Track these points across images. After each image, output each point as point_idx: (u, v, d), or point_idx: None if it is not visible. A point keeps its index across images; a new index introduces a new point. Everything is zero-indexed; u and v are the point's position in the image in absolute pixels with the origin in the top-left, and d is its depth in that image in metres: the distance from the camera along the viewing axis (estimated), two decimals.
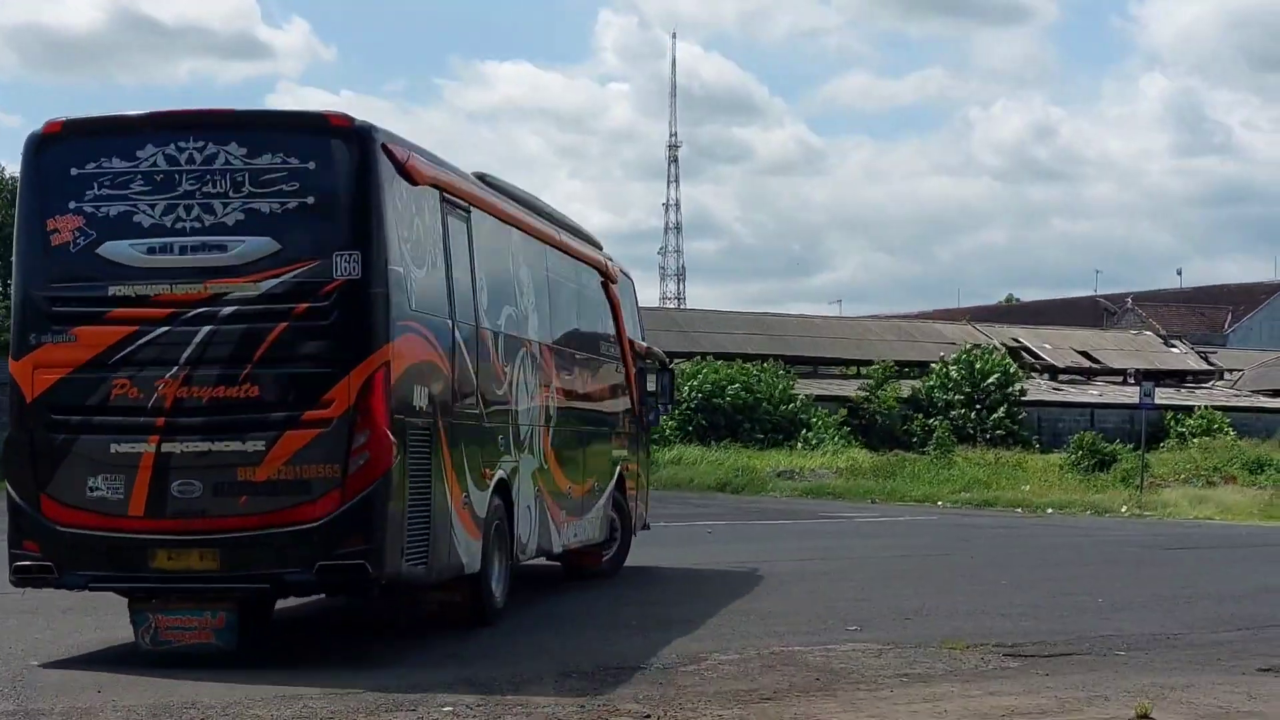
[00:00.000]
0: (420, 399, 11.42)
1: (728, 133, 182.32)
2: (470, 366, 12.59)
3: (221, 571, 10.76)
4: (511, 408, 13.84)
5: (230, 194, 10.90)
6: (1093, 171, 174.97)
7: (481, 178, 14.09)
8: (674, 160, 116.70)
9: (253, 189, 10.89)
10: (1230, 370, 63.87)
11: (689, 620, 13.83)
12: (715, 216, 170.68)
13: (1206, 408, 50.83)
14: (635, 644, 12.27)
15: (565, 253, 16.09)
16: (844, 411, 50.11)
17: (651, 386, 19.24)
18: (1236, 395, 58.03)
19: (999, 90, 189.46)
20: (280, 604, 12.99)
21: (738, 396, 47.99)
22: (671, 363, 22.04)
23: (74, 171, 11.03)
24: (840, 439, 47.41)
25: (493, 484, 12.99)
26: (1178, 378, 60.89)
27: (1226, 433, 48.53)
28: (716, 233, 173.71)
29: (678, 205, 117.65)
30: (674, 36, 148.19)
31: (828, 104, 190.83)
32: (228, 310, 10.80)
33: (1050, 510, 35.70)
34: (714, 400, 47.86)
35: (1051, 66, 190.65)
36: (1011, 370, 51.78)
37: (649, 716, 9.01)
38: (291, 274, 10.82)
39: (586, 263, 16.94)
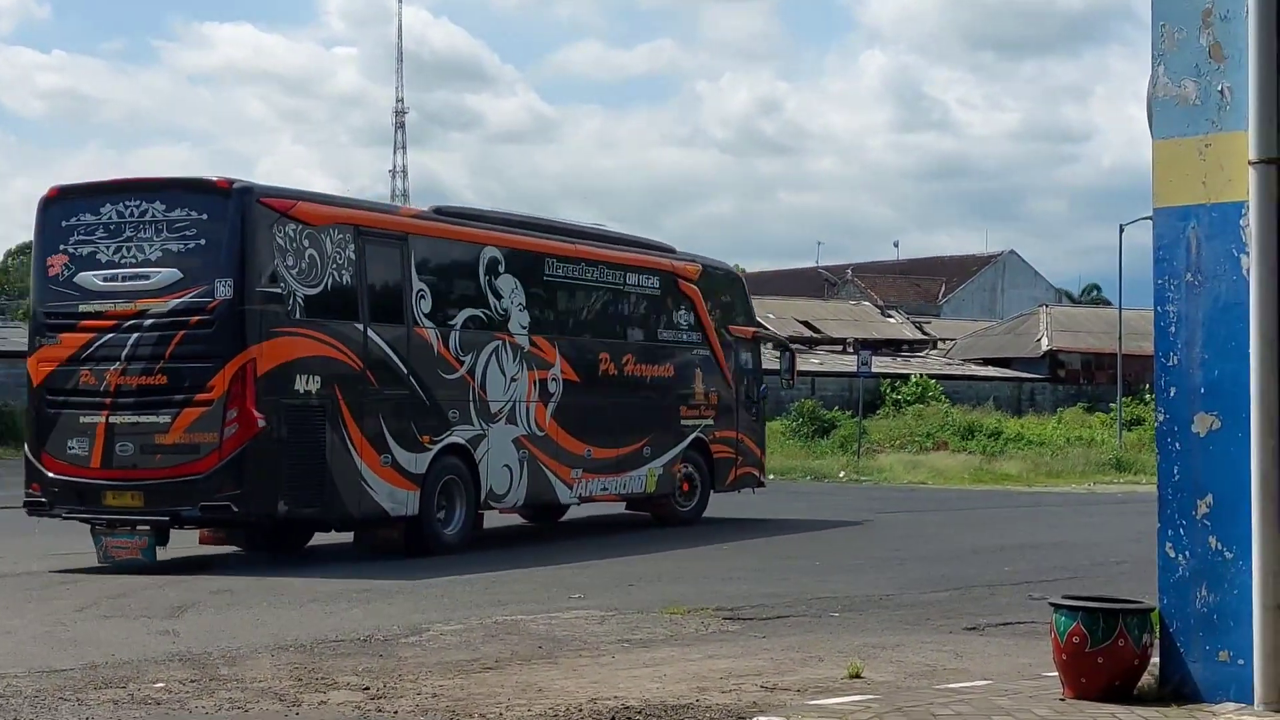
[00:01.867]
0: (307, 384, 15.30)
1: (458, 99, 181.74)
2: (396, 358, 16.44)
3: (144, 509, 15.06)
4: (471, 388, 17.45)
5: (154, 238, 15.20)
6: (817, 145, 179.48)
7: (439, 210, 18.26)
8: (401, 127, 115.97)
9: (168, 234, 15.18)
10: (943, 339, 66.18)
11: (411, 591, 13.72)
12: (445, 184, 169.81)
13: (921, 376, 52.51)
14: (355, 615, 12.10)
15: (588, 261, 19.68)
16: None
17: (750, 366, 22.72)
18: (949, 364, 60.11)
19: (727, 63, 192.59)
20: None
21: None
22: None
23: (63, 223, 15.61)
24: None
25: (437, 448, 16.83)
26: (894, 347, 62.87)
27: (940, 400, 50.24)
28: (446, 200, 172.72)
29: (405, 172, 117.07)
30: (400, 1, 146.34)
31: (559, 72, 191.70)
32: (149, 322, 15.06)
33: (772, 476, 36.46)
34: None
35: (778, 41, 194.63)
36: None
37: (368, 689, 8.88)
38: (189, 295, 14.97)
39: (633, 267, 20.51)
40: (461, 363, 17.43)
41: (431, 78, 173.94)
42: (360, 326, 16.06)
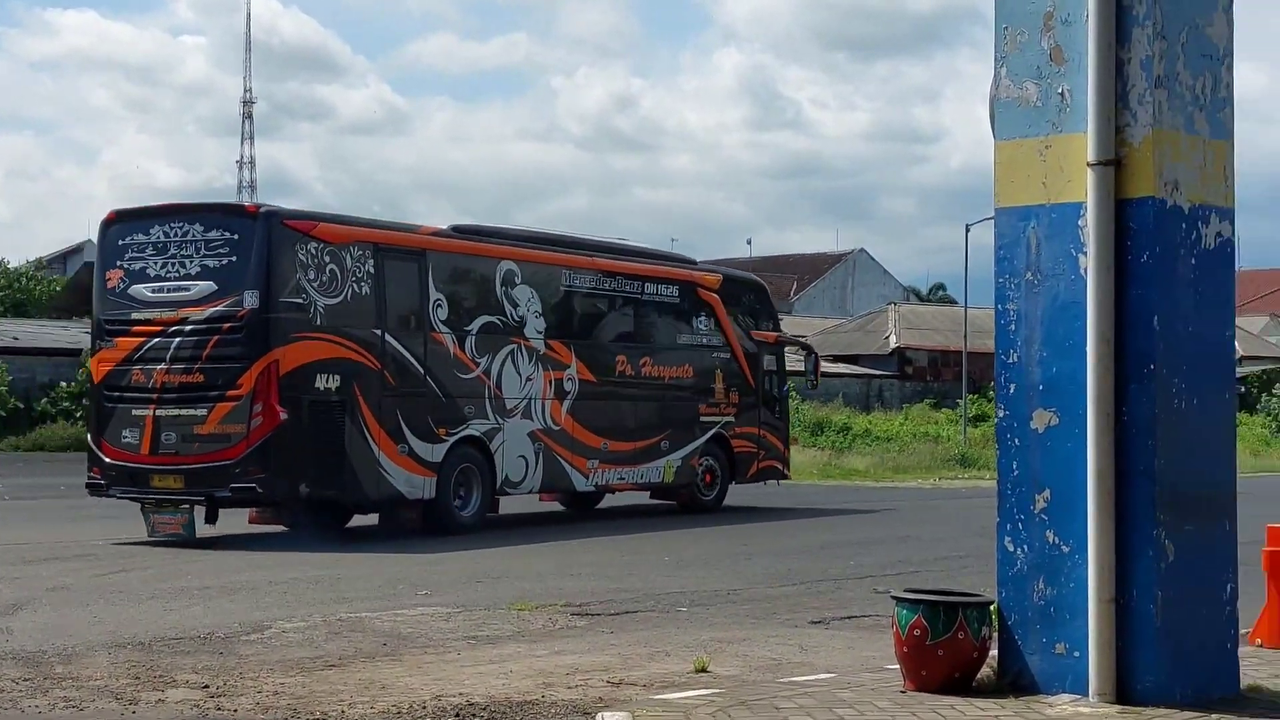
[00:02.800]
0: (327, 382, 17.60)
1: (308, 90, 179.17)
2: (413, 359, 18.72)
3: (184, 490, 17.35)
4: (487, 386, 19.72)
5: (194, 255, 17.49)
6: (672, 142, 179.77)
7: (458, 229, 20.44)
8: (249, 117, 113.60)
9: (205, 252, 17.44)
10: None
11: (254, 587, 13.52)
12: (293, 176, 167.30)
13: None
14: (195, 613, 11.89)
15: (604, 272, 21.94)
16: None
17: (772, 367, 24.97)
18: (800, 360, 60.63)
19: (583, 59, 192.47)
20: None
21: None
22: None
23: (119, 242, 17.99)
24: None
25: (453, 439, 19.11)
26: None
27: (791, 396, 50.65)
28: (294, 192, 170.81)
29: (253, 163, 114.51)
30: None
31: (411, 64, 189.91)
32: (189, 328, 17.38)
33: None
34: None
35: (634, 38, 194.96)
36: None
37: (208, 687, 8.72)
38: (222, 305, 17.24)
39: (651, 277, 22.68)
40: (477, 364, 19.72)
41: (281, 68, 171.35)
42: (379, 332, 18.33)
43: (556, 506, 23.60)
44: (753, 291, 25.46)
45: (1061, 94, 8.06)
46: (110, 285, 17.97)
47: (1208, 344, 8.14)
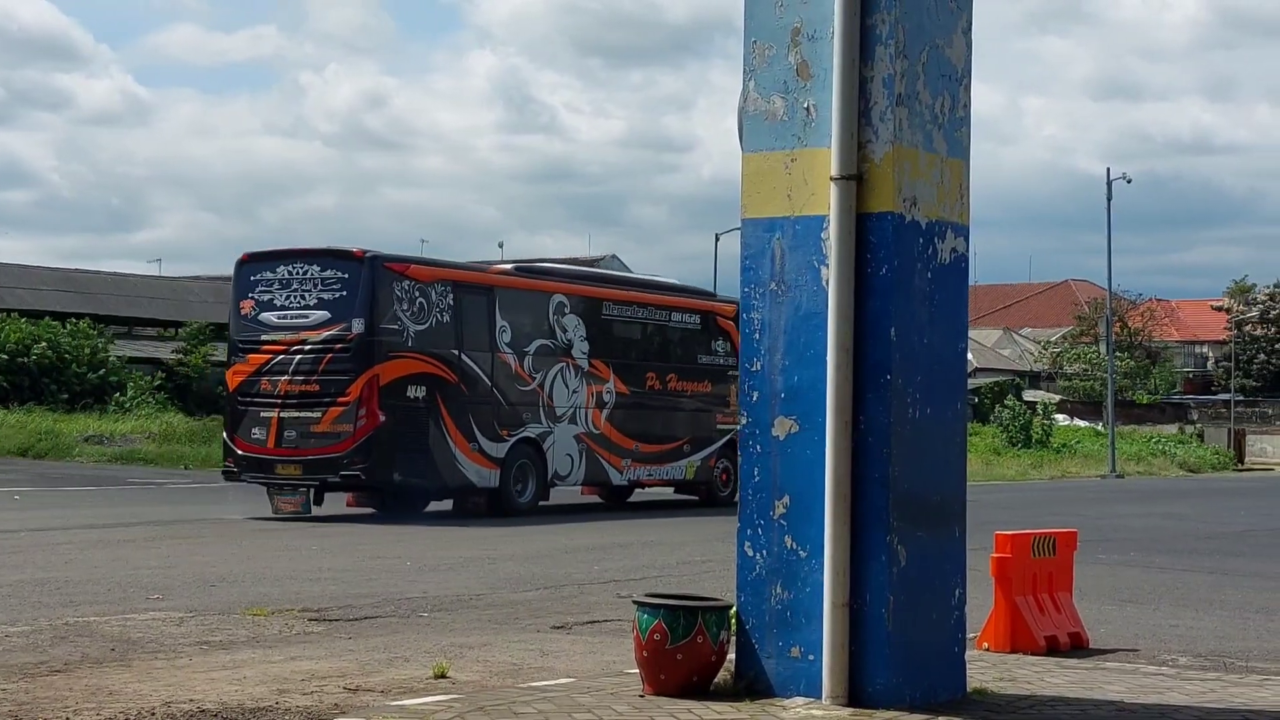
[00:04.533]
0: (415, 392, 22.07)
1: (46, 79, 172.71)
2: (482, 374, 23.17)
3: (302, 476, 21.81)
4: (541, 397, 24.18)
5: (311, 290, 21.88)
6: (424, 143, 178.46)
7: (519, 268, 26.25)
8: None
9: (321, 287, 21.84)
10: None
11: None
12: (29, 166, 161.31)
13: None
14: None
15: (638, 304, 26.66)
16: (161, 374, 48.63)
17: None
18: None
19: (333, 55, 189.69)
20: None
21: (44, 356, 45.53)
22: None
23: (251, 278, 22.50)
24: (156, 403, 45.90)
25: (513, 439, 23.63)
26: None
27: None
28: (29, 183, 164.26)
29: None
30: None
31: (155, 54, 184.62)
32: (307, 348, 21.79)
33: None
34: (19, 360, 45.24)
35: (386, 36, 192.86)
36: None
37: None
38: (334, 330, 21.72)
39: (676, 307, 27.38)
40: (533, 378, 24.24)
41: (18, 54, 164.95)
42: (456, 352, 22.78)
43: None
44: None
45: (807, 109, 8.22)
46: (243, 312, 22.59)
47: (941, 356, 8.39)
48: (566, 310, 25.06)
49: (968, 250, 8.59)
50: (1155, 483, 48.12)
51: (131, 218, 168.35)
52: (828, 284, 8.07)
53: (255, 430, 22.12)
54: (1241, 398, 79.04)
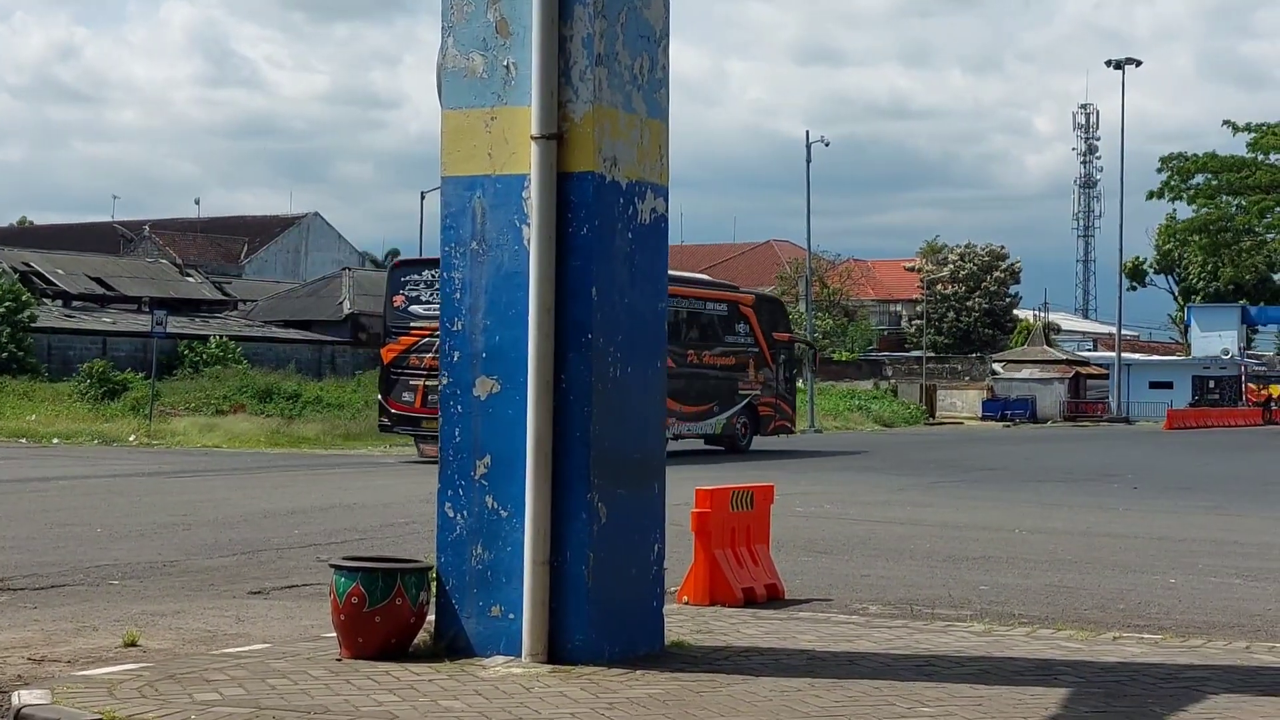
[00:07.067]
0: None
1: None
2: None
3: None
4: None
5: None
6: (117, 95, 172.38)
7: None
8: None
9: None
10: (245, 300, 65.34)
11: None
12: None
13: (220, 337, 51.60)
14: None
15: (680, 296, 31.36)
16: None
17: (786, 357, 37.14)
18: (250, 325, 59.41)
19: (20, 3, 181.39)
20: None
21: None
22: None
23: (402, 279, 29.13)
24: None
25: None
26: (193, 307, 61.40)
27: (239, 362, 49.57)
28: None
29: None
30: None
31: None
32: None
33: (56, 440, 34.85)
34: None
35: None
36: (23, 297, 49.80)
37: None
38: None
39: (708, 299, 34.15)
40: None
41: None
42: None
43: None
44: (775, 306, 39.12)
45: (507, 67, 8.17)
46: (396, 305, 28.69)
47: (642, 315, 8.46)
48: None
49: (668, 210, 8.68)
50: (850, 435, 49.64)
51: None
52: (529, 243, 8.06)
53: (405, 394, 28.21)
54: (933, 354, 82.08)
